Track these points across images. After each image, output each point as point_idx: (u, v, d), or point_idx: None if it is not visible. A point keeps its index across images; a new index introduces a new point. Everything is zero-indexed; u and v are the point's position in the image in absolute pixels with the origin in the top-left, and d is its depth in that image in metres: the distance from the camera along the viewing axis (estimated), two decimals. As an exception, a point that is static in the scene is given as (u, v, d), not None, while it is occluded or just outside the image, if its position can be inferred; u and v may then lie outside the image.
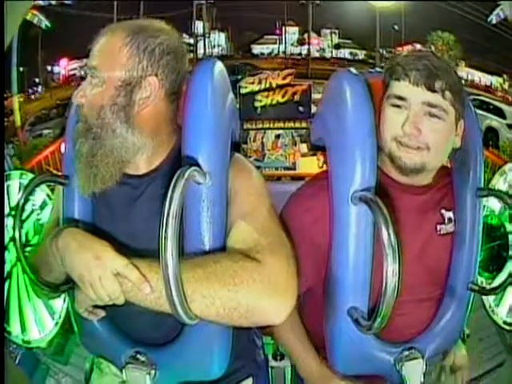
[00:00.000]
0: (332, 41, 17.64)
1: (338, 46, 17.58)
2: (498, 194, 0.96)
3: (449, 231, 0.89)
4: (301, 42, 17.10)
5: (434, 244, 0.89)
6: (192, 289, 0.65)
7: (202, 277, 0.66)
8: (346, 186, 0.80)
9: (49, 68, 15.15)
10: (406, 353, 0.87)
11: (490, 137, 7.81)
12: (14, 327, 1.40)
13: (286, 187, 1.22)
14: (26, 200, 0.80)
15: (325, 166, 0.89)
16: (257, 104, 3.79)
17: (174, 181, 0.64)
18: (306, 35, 16.66)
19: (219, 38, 17.57)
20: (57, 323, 1.51)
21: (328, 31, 17.50)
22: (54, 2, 13.23)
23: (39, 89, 14.22)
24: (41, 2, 12.34)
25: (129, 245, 0.76)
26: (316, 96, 3.77)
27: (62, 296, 0.87)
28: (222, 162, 0.76)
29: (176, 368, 0.80)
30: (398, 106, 0.83)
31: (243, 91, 3.77)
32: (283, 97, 3.78)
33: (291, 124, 3.80)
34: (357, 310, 0.81)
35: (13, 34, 1.40)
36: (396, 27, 15.62)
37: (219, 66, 0.80)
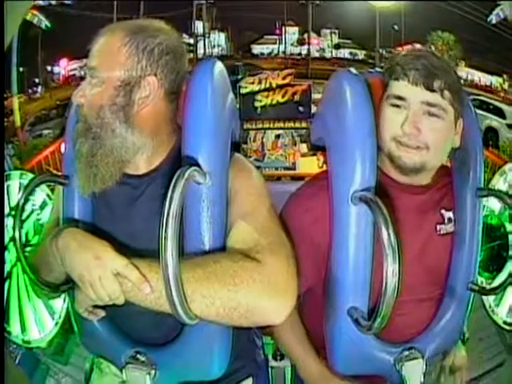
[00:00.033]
0: (332, 41, 17.65)
1: (337, 46, 17.58)
2: (497, 194, 0.96)
3: (449, 231, 0.89)
4: (301, 42, 17.10)
5: (434, 244, 0.89)
6: (192, 289, 0.65)
7: (201, 277, 0.66)
8: (346, 186, 0.80)
9: (49, 68, 15.16)
10: (406, 353, 0.87)
11: (490, 137, 7.81)
12: (14, 327, 1.40)
13: (285, 187, 1.22)
14: (26, 200, 0.80)
15: (325, 166, 0.89)
16: (257, 104, 3.79)
17: (173, 181, 0.64)
18: (305, 35, 16.65)
19: (219, 38, 17.57)
20: (57, 323, 1.51)
21: (328, 31, 17.50)
22: (53, 2, 13.23)
23: (39, 89, 14.21)
24: (41, 2, 12.34)
25: (129, 245, 0.76)
26: (316, 96, 3.77)
27: (62, 296, 0.87)
28: (222, 162, 0.76)
29: (176, 368, 0.80)
30: (398, 106, 0.83)
31: (243, 91, 3.77)
32: (283, 97, 3.78)
33: (291, 124, 3.81)
34: (357, 310, 0.81)
35: (13, 33, 1.40)
36: (396, 27, 15.63)
37: (219, 66, 0.80)
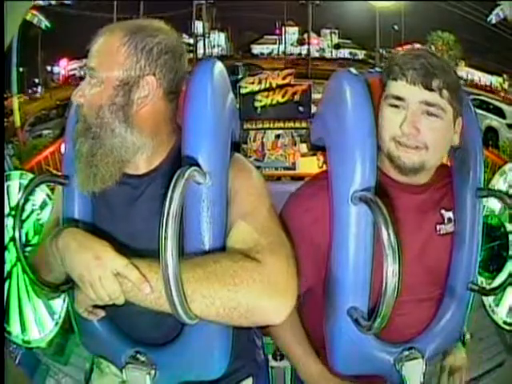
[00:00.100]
0: (332, 41, 17.63)
1: (337, 46, 17.56)
2: (497, 194, 0.96)
3: (448, 231, 0.89)
4: (301, 42, 17.09)
5: (434, 244, 0.89)
6: (192, 289, 0.65)
7: (201, 277, 0.66)
8: (345, 186, 0.80)
9: (49, 68, 15.13)
10: (406, 353, 0.87)
11: (490, 137, 7.81)
12: (14, 327, 1.40)
13: (285, 187, 1.22)
14: (26, 200, 0.80)
15: (325, 166, 0.89)
16: (257, 104, 3.79)
17: (173, 181, 0.64)
18: (305, 35, 16.63)
19: (219, 38, 17.55)
20: (57, 323, 1.51)
21: (328, 31, 17.48)
22: (53, 2, 13.21)
23: (39, 89, 14.20)
24: (41, 2, 12.32)
25: (129, 245, 0.76)
26: (316, 96, 3.77)
27: (62, 296, 0.87)
28: (222, 162, 0.76)
29: (176, 368, 0.80)
30: (396, 106, 0.83)
31: (243, 91, 3.77)
32: (283, 97, 3.78)
33: (291, 124, 3.81)
34: (357, 310, 0.81)
35: (13, 33, 1.41)
36: (396, 27, 15.61)
37: (219, 66, 0.80)
